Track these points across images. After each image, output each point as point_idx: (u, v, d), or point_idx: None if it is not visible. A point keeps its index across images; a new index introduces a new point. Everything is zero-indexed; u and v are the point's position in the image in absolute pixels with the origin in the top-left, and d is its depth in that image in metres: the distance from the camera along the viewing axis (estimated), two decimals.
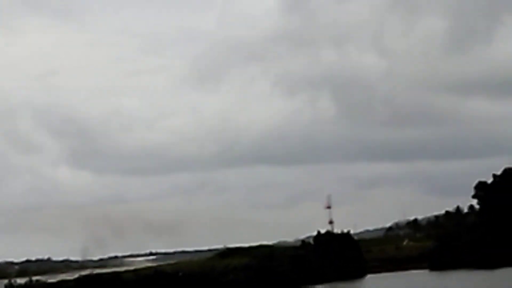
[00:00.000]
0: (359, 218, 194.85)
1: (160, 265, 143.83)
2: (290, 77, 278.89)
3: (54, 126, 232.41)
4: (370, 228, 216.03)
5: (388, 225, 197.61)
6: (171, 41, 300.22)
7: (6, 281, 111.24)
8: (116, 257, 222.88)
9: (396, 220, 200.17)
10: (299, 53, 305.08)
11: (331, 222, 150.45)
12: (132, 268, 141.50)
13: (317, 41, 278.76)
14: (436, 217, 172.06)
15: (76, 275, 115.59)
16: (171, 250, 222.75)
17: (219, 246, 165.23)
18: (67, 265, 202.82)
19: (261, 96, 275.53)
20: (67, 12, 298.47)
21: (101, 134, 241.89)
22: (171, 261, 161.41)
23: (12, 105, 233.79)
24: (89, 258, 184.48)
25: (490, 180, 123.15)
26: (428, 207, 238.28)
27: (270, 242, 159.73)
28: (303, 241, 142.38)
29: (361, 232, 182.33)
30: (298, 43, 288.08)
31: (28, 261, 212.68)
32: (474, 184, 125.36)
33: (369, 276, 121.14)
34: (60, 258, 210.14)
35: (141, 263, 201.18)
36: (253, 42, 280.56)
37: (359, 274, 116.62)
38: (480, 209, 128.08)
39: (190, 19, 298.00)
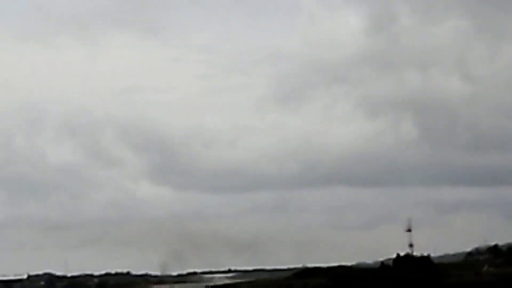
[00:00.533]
0: (439, 242, 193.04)
1: (238, 283, 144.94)
2: (372, 99, 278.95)
3: (136, 141, 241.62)
4: (450, 252, 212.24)
5: (468, 250, 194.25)
6: (255, 60, 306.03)
7: None
8: (195, 273, 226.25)
9: (476, 245, 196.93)
10: (383, 76, 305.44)
11: (411, 245, 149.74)
12: (210, 284, 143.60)
13: (401, 64, 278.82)
14: None
15: None
16: (250, 268, 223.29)
17: (298, 265, 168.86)
18: (146, 279, 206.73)
19: (343, 117, 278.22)
20: (152, 28, 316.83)
21: (182, 151, 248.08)
22: (249, 279, 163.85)
23: (95, 120, 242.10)
24: (168, 273, 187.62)
25: None
26: (509, 233, 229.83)
27: (349, 263, 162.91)
28: (382, 263, 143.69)
29: (440, 256, 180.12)
30: (382, 65, 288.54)
31: (107, 274, 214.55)
32: None
33: None
34: (140, 273, 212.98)
35: (219, 279, 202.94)
36: (336, 64, 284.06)
37: None
38: None
39: (274, 39, 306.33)
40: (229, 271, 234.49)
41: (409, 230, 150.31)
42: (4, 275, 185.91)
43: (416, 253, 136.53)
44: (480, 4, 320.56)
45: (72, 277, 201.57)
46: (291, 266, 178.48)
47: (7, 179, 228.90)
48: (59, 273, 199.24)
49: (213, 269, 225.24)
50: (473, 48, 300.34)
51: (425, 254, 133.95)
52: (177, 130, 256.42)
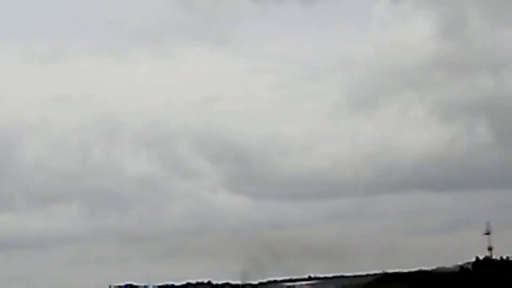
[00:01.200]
0: None
1: None
2: (446, 103, 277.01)
3: (212, 151, 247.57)
4: None
5: None
6: (327, 67, 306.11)
7: None
8: (275, 281, 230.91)
9: None
10: (456, 80, 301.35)
11: (490, 249, 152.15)
12: None
13: (473, 67, 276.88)
14: None
15: None
16: (330, 275, 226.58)
17: (378, 271, 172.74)
18: None
19: (417, 123, 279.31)
20: (225, 39, 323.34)
21: (258, 159, 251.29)
22: (330, 286, 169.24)
23: (171, 131, 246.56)
24: (249, 282, 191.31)
25: None
26: None
27: (428, 268, 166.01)
28: (461, 267, 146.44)
29: None
30: (455, 69, 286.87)
31: (188, 284, 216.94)
32: None
33: None
34: (220, 282, 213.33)
35: (300, 287, 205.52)
36: (409, 69, 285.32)
37: None
38: None
39: (346, 46, 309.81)
40: (309, 278, 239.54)
41: (487, 233, 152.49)
42: None
43: (496, 256, 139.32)
44: None
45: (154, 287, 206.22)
46: (371, 272, 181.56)
47: (87, 192, 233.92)
48: (140, 284, 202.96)
49: (294, 277, 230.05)
50: None
51: (505, 257, 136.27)
52: (253, 139, 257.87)
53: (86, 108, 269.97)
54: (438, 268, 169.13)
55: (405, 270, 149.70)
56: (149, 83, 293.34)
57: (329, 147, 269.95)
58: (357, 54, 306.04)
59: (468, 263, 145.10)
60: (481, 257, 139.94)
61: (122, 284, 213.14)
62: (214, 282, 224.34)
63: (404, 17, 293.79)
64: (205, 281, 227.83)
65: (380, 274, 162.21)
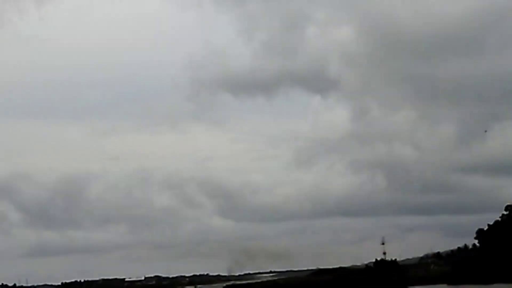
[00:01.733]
0: (402, 251, 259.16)
1: (276, 279, 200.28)
2: (356, 162, 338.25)
3: (209, 192, 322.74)
4: (409, 257, 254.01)
5: (421, 255, 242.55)
6: (283, 139, 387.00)
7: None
8: (249, 273, 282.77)
9: (426, 252, 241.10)
10: (362, 147, 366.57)
11: (384, 253, 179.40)
12: (259, 281, 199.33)
13: (373, 139, 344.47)
14: (452, 250, 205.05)
15: (224, 285, 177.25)
16: (284, 270, 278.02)
17: (314, 267, 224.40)
18: (218, 278, 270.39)
19: (338, 174, 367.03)
20: (218, 121, 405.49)
21: (238, 196, 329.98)
22: (283, 277, 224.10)
23: (183, 178, 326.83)
24: (232, 273, 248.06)
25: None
26: (446, 244, 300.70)
27: (346, 265, 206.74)
28: (367, 265, 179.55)
29: (403, 260, 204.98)
30: (362, 140, 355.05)
31: (194, 275, 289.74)
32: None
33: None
34: (214, 274, 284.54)
35: (266, 277, 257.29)
36: (333, 140, 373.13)
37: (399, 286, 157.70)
38: (480, 246, 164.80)
39: (294, 125, 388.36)
40: (271, 272, 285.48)
41: (383, 243, 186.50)
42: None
43: (388, 258, 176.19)
44: None
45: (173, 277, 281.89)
46: (310, 268, 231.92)
47: (130, 216, 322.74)
48: (166, 275, 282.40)
49: (261, 271, 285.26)
50: None
51: (394, 258, 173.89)
52: (235, 184, 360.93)
53: (130, 164, 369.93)
54: (352, 265, 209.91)
55: (331, 267, 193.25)
56: (169, 148, 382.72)
57: (283, 189, 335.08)
58: (301, 130, 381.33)
59: (371, 262, 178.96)
60: (378, 259, 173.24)
61: (152, 275, 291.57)
62: (210, 274, 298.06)
63: (330, 107, 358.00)
64: (205, 273, 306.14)
65: (315, 269, 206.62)
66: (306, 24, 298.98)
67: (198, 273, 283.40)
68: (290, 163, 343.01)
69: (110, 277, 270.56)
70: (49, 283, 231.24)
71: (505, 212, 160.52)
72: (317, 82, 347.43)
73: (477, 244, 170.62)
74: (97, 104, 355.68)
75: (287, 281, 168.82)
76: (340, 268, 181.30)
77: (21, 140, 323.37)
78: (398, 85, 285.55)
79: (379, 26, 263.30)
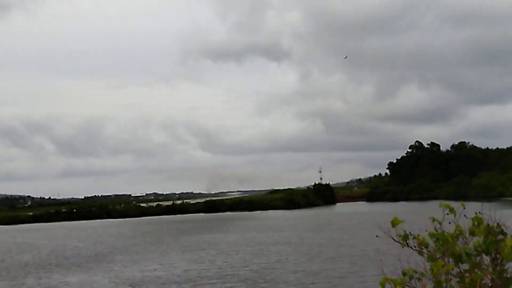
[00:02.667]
0: (334, 177, 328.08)
1: (242, 197, 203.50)
2: None
3: (194, 131, 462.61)
4: (339, 181, 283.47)
5: (347, 180, 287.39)
6: (248, 94, 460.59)
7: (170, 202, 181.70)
8: (222, 192, 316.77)
9: (351, 178, 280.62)
10: None
11: (321, 179, 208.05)
12: (230, 197, 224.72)
13: None
14: (370, 177, 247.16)
15: (203, 200, 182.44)
16: (247, 189, 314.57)
17: (269, 188, 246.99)
18: (200, 195, 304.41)
19: None
20: (203, 79, 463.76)
21: (215, 135, 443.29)
22: (246, 196, 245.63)
23: (174, 122, 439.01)
24: (210, 192, 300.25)
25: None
26: (367, 172, 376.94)
27: (293, 187, 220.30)
28: (308, 187, 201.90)
29: (334, 183, 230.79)
30: None
31: (182, 193, 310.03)
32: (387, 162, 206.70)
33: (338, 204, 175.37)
34: (197, 192, 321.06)
35: (234, 195, 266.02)
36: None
37: (331, 202, 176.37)
38: (390, 174, 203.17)
39: (257, 83, 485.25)
40: (238, 191, 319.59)
41: (320, 172, 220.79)
42: None
43: (323, 182, 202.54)
44: None
45: (166, 194, 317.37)
46: (267, 188, 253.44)
47: None
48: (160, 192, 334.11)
49: (231, 190, 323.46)
50: None
51: (327, 182, 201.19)
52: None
53: (136, 110, 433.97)
54: (297, 187, 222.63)
55: (282, 188, 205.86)
56: (165, 99, 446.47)
57: (248, 131, 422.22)
58: (262, 88, 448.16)
59: (311, 185, 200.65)
60: (317, 182, 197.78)
61: (151, 192, 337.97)
62: (194, 192, 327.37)
63: (283, 72, 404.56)
64: (190, 191, 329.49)
65: (270, 189, 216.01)
66: (266, 8, 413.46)
67: (185, 191, 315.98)
68: (253, 112, 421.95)
69: (120, 193, 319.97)
70: (75, 197, 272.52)
71: (409, 150, 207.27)
72: (274, 53, 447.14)
73: (388, 173, 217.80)
74: (111, 65, 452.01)
75: (250, 198, 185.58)
76: (289, 189, 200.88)
77: (56, 92, 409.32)
78: (334, 55, 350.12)
79: (320, 11, 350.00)
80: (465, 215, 6.07)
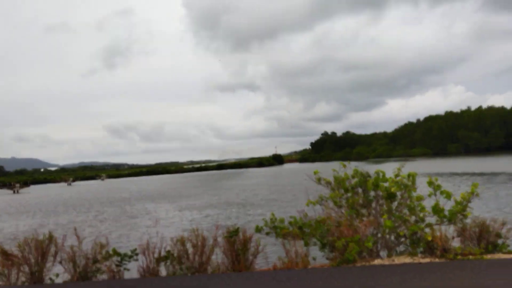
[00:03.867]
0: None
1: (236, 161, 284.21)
2: None
3: None
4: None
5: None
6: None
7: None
8: (226, 159, 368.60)
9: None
10: None
11: (276, 152, 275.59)
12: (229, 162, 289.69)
13: None
14: (301, 150, 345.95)
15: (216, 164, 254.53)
16: (240, 157, 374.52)
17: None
18: (215, 161, 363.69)
19: None
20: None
21: None
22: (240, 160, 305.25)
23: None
24: (220, 159, 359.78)
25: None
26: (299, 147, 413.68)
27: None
28: (271, 157, 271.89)
29: (286, 154, 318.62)
30: None
31: (206, 160, 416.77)
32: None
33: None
34: (214, 159, 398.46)
35: (232, 160, 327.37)
36: None
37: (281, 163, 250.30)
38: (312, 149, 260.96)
39: None
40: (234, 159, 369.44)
41: (276, 148, 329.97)
42: None
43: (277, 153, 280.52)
44: None
45: None
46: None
47: None
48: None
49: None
50: None
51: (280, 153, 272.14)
52: None
53: (180, 118, 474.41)
54: (265, 155, 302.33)
55: (257, 156, 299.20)
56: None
57: None
58: None
59: (272, 155, 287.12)
60: (274, 153, 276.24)
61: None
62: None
63: None
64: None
65: (251, 157, 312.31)
66: (247, 64, 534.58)
67: (207, 159, 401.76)
68: (242, 118, 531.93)
69: (174, 161, 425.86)
70: (149, 163, 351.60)
71: (321, 135, 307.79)
72: (252, 87, 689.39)
73: (310, 148, 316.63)
74: (168, 94, 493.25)
75: (240, 162, 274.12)
76: (260, 157, 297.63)
77: (140, 108, 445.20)
78: (283, 88, 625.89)
79: (276, 64, 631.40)
80: (349, 168, 12.00)
